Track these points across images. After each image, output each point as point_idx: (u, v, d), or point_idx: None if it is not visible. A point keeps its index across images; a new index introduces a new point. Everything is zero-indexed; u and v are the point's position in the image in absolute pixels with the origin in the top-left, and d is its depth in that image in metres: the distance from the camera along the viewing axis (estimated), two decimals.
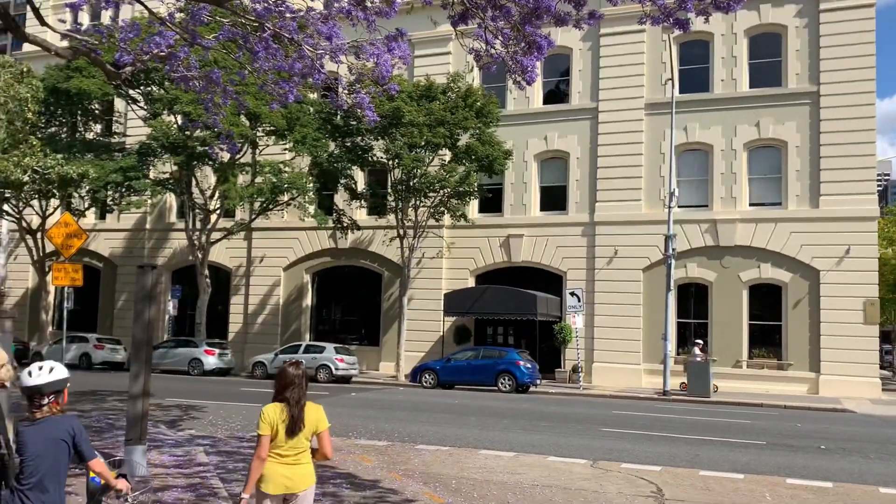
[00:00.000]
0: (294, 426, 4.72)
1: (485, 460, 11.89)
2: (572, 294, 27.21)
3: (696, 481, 10.58)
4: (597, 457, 12.31)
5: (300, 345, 28.16)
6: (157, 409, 16.44)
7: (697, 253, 27.89)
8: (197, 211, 29.80)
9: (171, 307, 32.63)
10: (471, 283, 30.52)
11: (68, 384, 4.22)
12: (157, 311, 10.21)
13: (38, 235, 31.31)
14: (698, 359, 24.16)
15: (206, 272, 29.90)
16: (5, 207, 30.29)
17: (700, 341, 25.78)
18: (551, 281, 29.72)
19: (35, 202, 30.62)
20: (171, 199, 35.33)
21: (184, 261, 34.32)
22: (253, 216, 29.82)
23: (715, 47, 28.30)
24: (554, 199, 30.36)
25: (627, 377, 27.50)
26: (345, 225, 29.86)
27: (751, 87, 28.01)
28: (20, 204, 29.77)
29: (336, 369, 26.46)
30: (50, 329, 35.52)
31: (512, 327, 30.00)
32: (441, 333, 30.19)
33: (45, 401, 4.07)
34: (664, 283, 25.45)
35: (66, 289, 16.37)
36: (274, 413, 4.76)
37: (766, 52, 28.04)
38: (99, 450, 11.19)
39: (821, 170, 26.60)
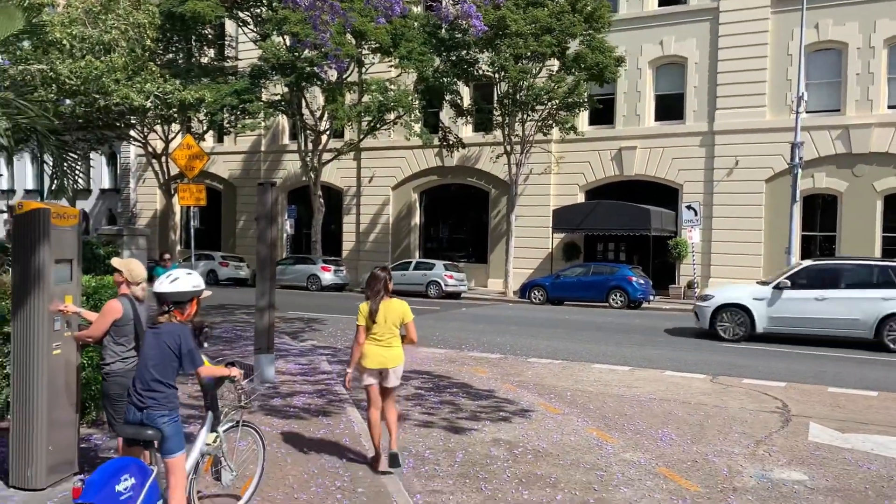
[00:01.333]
0: (374, 315, 5.99)
1: (599, 374, 11.81)
2: (689, 207, 26.13)
3: (825, 398, 10.10)
4: (716, 372, 11.96)
5: (410, 262, 28.72)
6: (281, 322, 17.30)
7: (826, 161, 25.95)
8: (308, 132, 30.41)
9: (288, 226, 33.93)
10: (580, 198, 29.86)
11: (196, 297, 4.35)
12: (276, 230, 10.63)
13: (163, 159, 33.00)
14: None
15: (319, 192, 30.71)
16: (131, 133, 31.98)
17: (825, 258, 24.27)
18: (666, 195, 28.60)
19: (158, 128, 32.13)
20: (283, 121, 36.22)
21: (298, 182, 35.36)
22: (361, 136, 30.12)
23: None
24: (670, 108, 28.83)
25: None
26: (450, 143, 29.68)
27: None
28: (144, 130, 31.33)
29: (445, 286, 26.89)
30: (179, 248, 37.91)
31: (623, 243, 29.31)
32: (549, 250, 29.94)
33: (166, 308, 4.25)
34: (788, 194, 23.93)
35: (191, 209, 17.21)
36: (365, 307, 6.07)
37: None
38: (228, 358, 11.92)
39: None
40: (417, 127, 28.23)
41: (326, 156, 30.53)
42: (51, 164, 12.09)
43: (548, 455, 7.02)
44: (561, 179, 30.22)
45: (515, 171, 28.10)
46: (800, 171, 23.34)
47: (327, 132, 30.01)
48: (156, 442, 4.11)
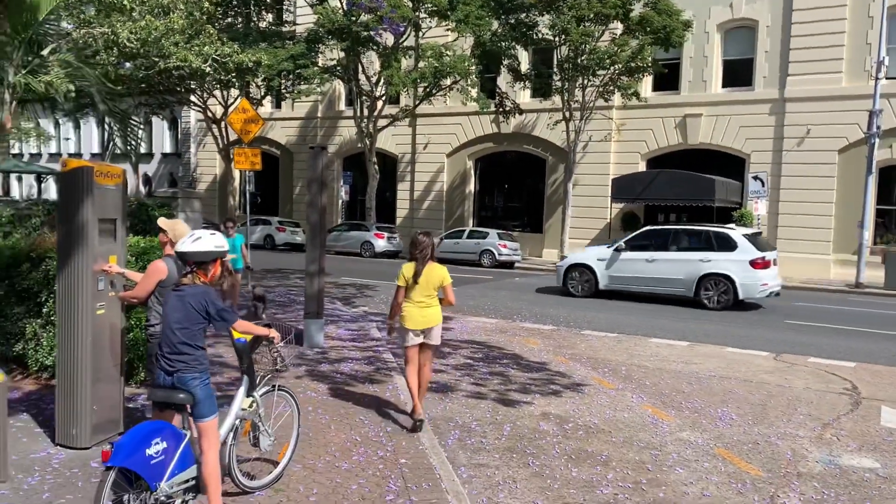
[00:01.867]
0: (418, 277, 6.24)
1: (656, 348, 11.41)
2: (755, 178, 25.05)
3: None
4: (780, 350, 11.42)
5: (463, 230, 28.47)
6: (334, 287, 17.35)
7: None
8: (364, 98, 30.24)
9: (342, 192, 34.03)
10: (641, 167, 28.99)
11: (220, 258, 4.17)
12: (330, 196, 10.55)
13: (222, 124, 33.36)
14: None
15: (374, 159, 30.63)
16: (191, 98, 32.39)
17: None
18: (731, 165, 27.50)
19: (217, 92, 32.43)
20: (339, 87, 36.14)
21: (353, 148, 35.36)
22: (416, 102, 29.80)
23: None
24: (738, 74, 27.54)
25: (814, 268, 25.32)
26: (507, 109, 29.10)
27: None
28: (203, 94, 31.68)
29: (499, 255, 26.57)
30: (238, 213, 38.52)
31: (685, 214, 28.36)
32: (607, 220, 29.24)
33: (189, 269, 4.09)
34: (863, 165, 22.69)
35: (246, 173, 17.28)
36: (408, 269, 6.32)
37: None
38: (280, 322, 11.94)
39: None
40: (474, 92, 27.73)
41: (382, 122, 30.36)
42: (111, 127, 12.17)
43: (600, 431, 6.75)
44: (621, 147, 29.36)
45: (574, 139, 27.41)
46: (877, 140, 22.08)
47: (383, 98, 29.79)
48: (188, 406, 3.99)
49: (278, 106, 38.44)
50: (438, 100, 30.80)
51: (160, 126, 43.22)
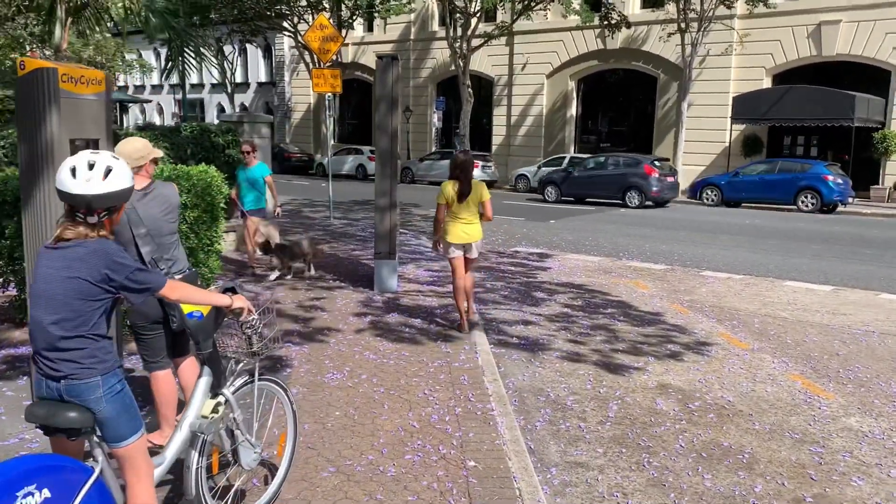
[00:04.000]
0: (462, 195, 6.46)
1: (793, 294, 9.51)
2: None
3: None
4: None
5: (564, 157, 26.41)
6: (422, 220, 16.11)
7: None
8: (458, 16, 28.19)
9: (435, 119, 32.45)
10: (766, 83, 25.76)
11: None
12: (398, 115, 9.02)
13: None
14: None
15: (468, 82, 28.75)
16: (283, 24, 31.36)
17: None
18: (873, 80, 23.90)
19: (309, 17, 31.19)
20: (432, 6, 34.13)
21: (447, 72, 33.56)
22: (514, 17, 27.48)
23: None
24: None
25: None
26: (613, 21, 26.29)
27: None
28: (294, 18, 30.55)
29: None
30: (332, 142, 37.77)
31: (816, 136, 25.18)
32: (726, 144, 26.36)
33: (81, 216, 2.55)
34: None
35: (327, 97, 16.03)
36: (448, 188, 6.52)
37: None
38: (356, 260, 10.75)
39: None
40: (576, 4, 25.16)
41: (476, 41, 28.25)
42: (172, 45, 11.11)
43: (736, 414, 5.16)
44: (744, 62, 26.14)
45: (690, 53, 24.53)
46: None
47: (478, 14, 27.63)
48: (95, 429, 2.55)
49: (370, 29, 36.90)
50: (538, 14, 28.28)
51: (255, 55, 42.73)
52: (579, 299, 8.81)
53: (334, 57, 36.26)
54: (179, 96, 48.10)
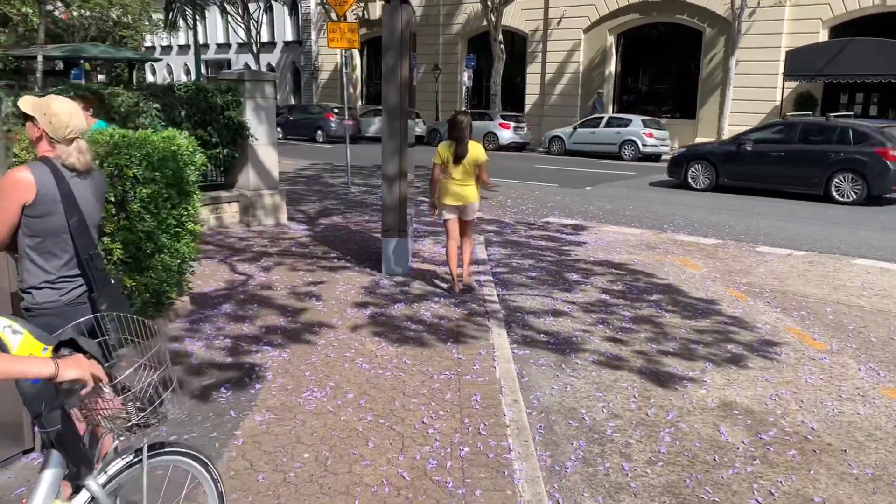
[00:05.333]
0: (458, 157, 6.44)
1: (866, 275, 8.24)
2: None
3: None
4: None
5: (601, 117, 24.86)
6: None
7: None
8: None
9: (465, 77, 30.97)
10: (822, 36, 23.77)
11: None
12: (409, 67, 7.87)
13: None
14: None
15: (500, 38, 27.23)
16: None
17: None
18: None
19: None
20: None
21: (478, 27, 31.97)
22: None
23: None
24: None
25: None
26: None
27: None
28: None
29: (643, 145, 22.96)
30: (360, 103, 36.57)
31: (876, 94, 23.26)
32: (776, 103, 24.54)
33: None
34: None
35: (343, 53, 14.84)
36: (444, 148, 6.54)
37: None
38: (368, 234, 9.68)
39: None
40: None
41: None
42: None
43: (824, 450, 4.02)
44: (798, 13, 24.14)
45: (740, 4, 22.67)
46: None
47: None
48: None
49: None
50: None
51: (281, 12, 41.44)
52: (619, 282, 7.66)
53: (360, 12, 34.82)
54: (205, 56, 47.18)
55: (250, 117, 9.74)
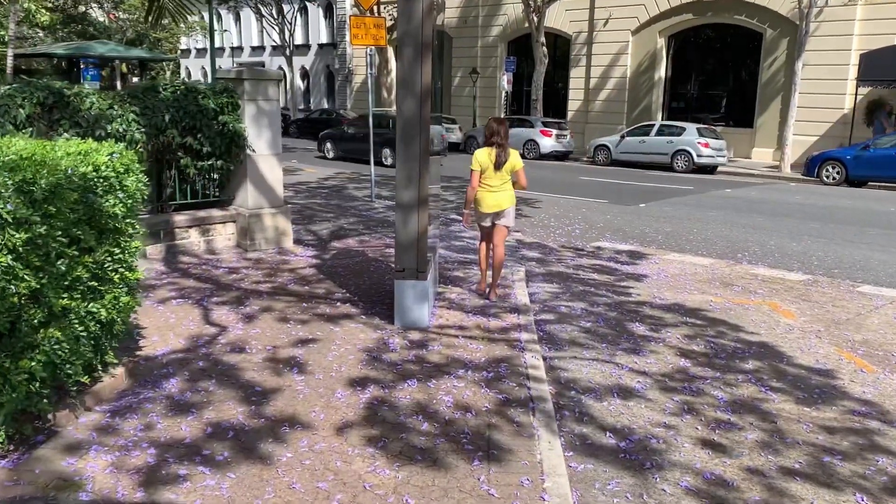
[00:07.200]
0: (499, 163, 6.34)
1: None
2: None
3: None
4: None
5: (652, 125, 22.98)
6: None
7: None
8: None
9: (504, 81, 29.32)
10: None
11: None
12: (432, 66, 6.36)
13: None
14: None
15: (543, 40, 25.56)
16: None
17: None
18: None
19: None
20: None
21: (519, 30, 30.35)
22: None
23: None
24: None
25: None
26: None
27: None
28: None
29: (698, 156, 21.04)
30: (393, 108, 35.16)
31: None
32: (844, 111, 22.42)
33: None
34: None
35: (368, 52, 13.35)
36: (483, 155, 6.38)
37: None
38: (386, 262, 8.07)
39: None
40: None
41: None
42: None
43: None
44: (871, 13, 22.00)
45: (806, 4, 20.66)
46: None
47: None
48: None
49: None
50: None
51: (315, 14, 40.38)
52: (699, 338, 5.95)
53: (396, 13, 33.45)
54: (239, 59, 46.40)
55: (249, 123, 8.26)
